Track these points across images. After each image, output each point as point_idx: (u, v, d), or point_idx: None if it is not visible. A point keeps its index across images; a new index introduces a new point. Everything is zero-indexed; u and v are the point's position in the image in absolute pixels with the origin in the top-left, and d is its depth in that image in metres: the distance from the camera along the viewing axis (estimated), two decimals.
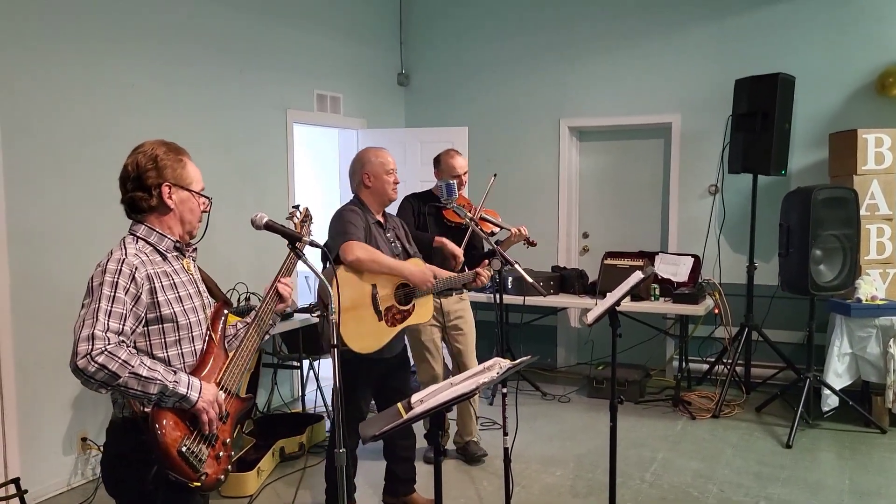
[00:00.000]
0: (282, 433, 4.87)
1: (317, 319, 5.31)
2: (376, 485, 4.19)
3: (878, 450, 4.81)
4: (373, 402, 3.88)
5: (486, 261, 3.97)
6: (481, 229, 4.20)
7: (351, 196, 3.86)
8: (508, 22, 7.09)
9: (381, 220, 3.80)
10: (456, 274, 3.95)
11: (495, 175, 4.78)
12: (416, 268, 3.66)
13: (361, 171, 3.76)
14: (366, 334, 3.52)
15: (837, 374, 5.16)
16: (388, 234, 3.79)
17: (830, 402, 5.16)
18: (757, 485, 4.31)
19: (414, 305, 3.71)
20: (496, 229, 4.65)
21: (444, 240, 4.36)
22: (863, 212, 5.27)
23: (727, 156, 6.10)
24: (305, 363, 5.60)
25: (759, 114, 5.60)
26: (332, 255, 3.48)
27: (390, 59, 7.40)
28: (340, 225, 3.59)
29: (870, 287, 5.18)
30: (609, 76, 6.74)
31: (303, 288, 6.83)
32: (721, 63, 6.27)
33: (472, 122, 7.00)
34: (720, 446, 4.93)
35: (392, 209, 4.74)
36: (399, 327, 3.66)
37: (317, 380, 5.55)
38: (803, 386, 5.15)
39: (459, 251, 4.33)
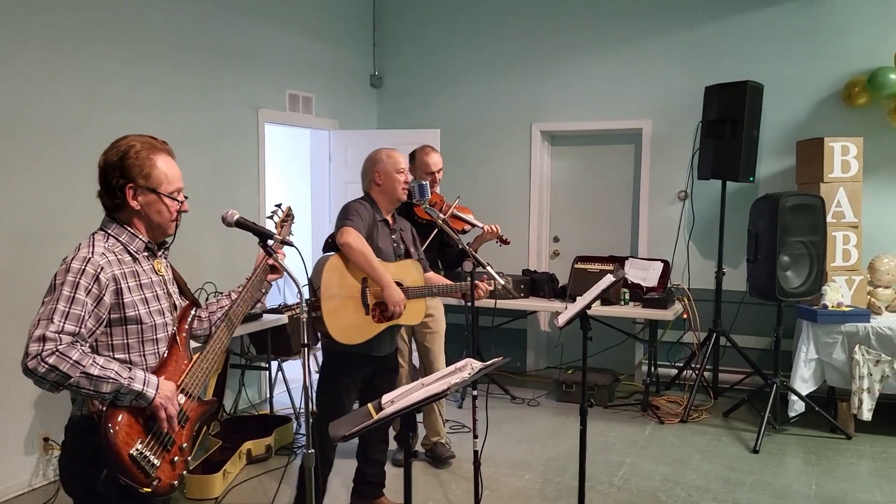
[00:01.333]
0: (249, 435, 4.80)
1: (286, 320, 5.26)
2: (348, 484, 4.14)
3: (843, 455, 4.87)
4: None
5: (485, 276, 3.93)
6: (453, 228, 4.19)
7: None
8: (482, 26, 7.09)
9: (389, 219, 3.85)
10: (453, 283, 3.94)
11: (459, 197, 4.79)
12: (396, 289, 3.60)
13: (373, 170, 3.82)
14: (349, 326, 3.52)
15: (804, 379, 5.21)
16: (394, 235, 3.84)
17: (797, 407, 5.21)
18: (725, 490, 4.33)
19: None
20: (468, 227, 4.66)
21: None
22: (829, 219, 5.34)
23: (696, 162, 6.15)
24: (274, 364, 5.53)
25: (729, 121, 5.66)
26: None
27: (363, 60, 7.37)
28: (345, 213, 3.65)
29: (836, 294, 5.24)
30: (581, 82, 6.77)
31: (273, 288, 6.75)
32: (691, 70, 6.33)
33: (444, 124, 6.98)
34: (688, 451, 4.95)
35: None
36: (385, 325, 3.65)
37: (285, 381, 5.49)
38: (770, 391, 5.19)
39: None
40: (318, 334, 3.59)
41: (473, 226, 4.65)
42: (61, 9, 4.41)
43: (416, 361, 4.85)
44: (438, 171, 4.69)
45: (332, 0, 6.89)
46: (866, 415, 5.04)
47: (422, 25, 7.34)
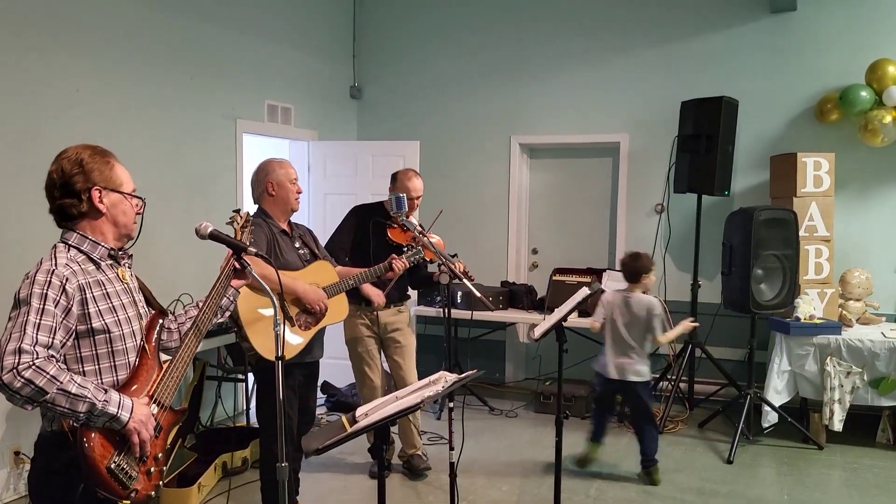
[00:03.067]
0: (224, 447, 4.77)
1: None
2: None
3: (815, 465, 4.93)
4: None
5: (393, 256, 4.01)
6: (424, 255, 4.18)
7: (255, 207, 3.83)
8: (462, 38, 7.14)
9: (287, 228, 3.83)
10: (366, 269, 3.96)
11: (441, 211, 4.78)
12: (310, 287, 3.61)
13: (266, 181, 3.77)
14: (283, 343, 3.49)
15: (777, 390, 5.27)
16: (296, 243, 3.82)
17: (770, 418, 5.27)
18: (699, 500, 4.37)
19: None
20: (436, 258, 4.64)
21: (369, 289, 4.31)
22: (802, 233, 5.42)
23: (673, 176, 6.22)
24: (250, 376, 5.51)
25: (704, 135, 5.73)
26: None
27: (343, 71, 7.39)
28: None
29: (808, 306, 5.32)
30: (560, 95, 6.83)
31: None
32: (668, 85, 6.41)
33: (423, 136, 7.01)
34: (663, 461, 4.97)
35: (337, 217, 4.72)
36: (314, 330, 3.67)
37: None
38: (744, 402, 5.25)
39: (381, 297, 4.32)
40: (255, 361, 3.54)
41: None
42: (35, 17, 4.39)
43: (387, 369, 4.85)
44: (417, 198, 4.64)
45: (313, 11, 6.92)
46: (837, 425, 5.11)
47: (402, 37, 7.38)
